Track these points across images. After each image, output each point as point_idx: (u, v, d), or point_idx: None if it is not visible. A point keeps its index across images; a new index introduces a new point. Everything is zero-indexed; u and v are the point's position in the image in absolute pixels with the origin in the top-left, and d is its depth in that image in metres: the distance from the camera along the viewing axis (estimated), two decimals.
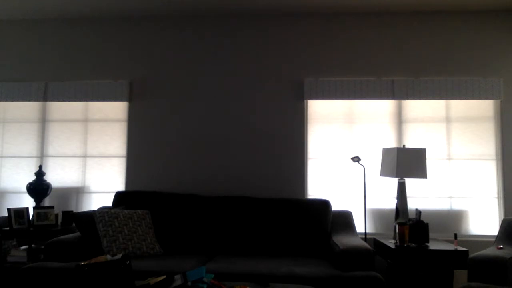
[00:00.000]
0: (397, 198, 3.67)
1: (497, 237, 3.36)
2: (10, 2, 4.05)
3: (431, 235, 3.98)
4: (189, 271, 2.40)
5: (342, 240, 3.26)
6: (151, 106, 4.30)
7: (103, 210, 3.45)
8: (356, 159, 3.87)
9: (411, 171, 3.57)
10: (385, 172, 3.75)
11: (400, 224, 3.39)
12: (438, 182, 4.04)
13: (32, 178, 4.26)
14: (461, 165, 4.04)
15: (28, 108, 4.40)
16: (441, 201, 4.02)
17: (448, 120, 4.10)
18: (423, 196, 4.04)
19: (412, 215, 3.87)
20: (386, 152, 3.76)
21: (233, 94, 4.24)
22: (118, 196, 3.86)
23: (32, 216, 3.85)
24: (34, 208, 3.87)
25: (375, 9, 4.12)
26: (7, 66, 4.45)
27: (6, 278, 3.63)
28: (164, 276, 2.38)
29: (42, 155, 4.35)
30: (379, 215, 4.05)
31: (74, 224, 3.99)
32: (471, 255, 2.97)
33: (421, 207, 4.03)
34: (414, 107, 4.12)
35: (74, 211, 4.24)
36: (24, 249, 3.74)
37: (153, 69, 4.33)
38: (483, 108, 4.08)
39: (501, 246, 3.12)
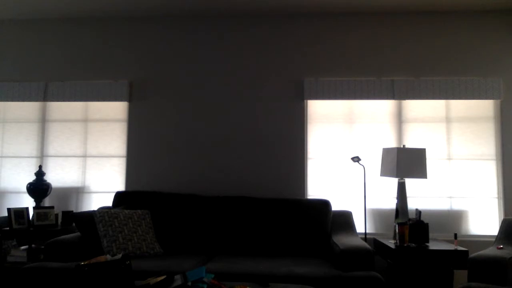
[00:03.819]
0: (397, 198, 3.67)
1: (497, 237, 3.36)
2: (10, 2, 4.05)
3: (431, 235, 3.98)
4: (189, 271, 2.40)
5: (342, 240, 3.26)
6: (151, 106, 4.30)
7: (103, 210, 3.45)
8: (356, 159, 3.87)
9: (411, 171, 3.57)
10: (385, 172, 3.75)
11: (400, 224, 3.39)
12: (438, 182, 4.04)
13: (32, 178, 4.26)
14: (461, 165, 4.04)
15: (28, 108, 4.40)
16: (441, 201, 4.02)
17: (448, 120, 4.10)
18: (423, 196, 4.04)
19: (412, 215, 3.87)
20: (386, 152, 3.76)
21: (233, 94, 4.24)
22: (118, 196, 3.86)
23: (32, 216, 3.85)
24: (34, 208, 3.87)
25: (375, 9, 4.12)
26: (7, 66, 4.45)
27: (6, 278, 3.63)
28: (164, 276, 2.38)
29: (42, 155, 4.35)
30: (379, 215, 4.05)
31: (74, 224, 3.99)
32: (471, 255, 2.97)
33: (421, 207, 4.03)
34: (414, 107, 4.12)
35: (74, 211, 4.23)
36: (24, 249, 3.73)
37: (153, 69, 4.33)
38: (483, 108, 4.08)
39: (501, 246, 3.12)
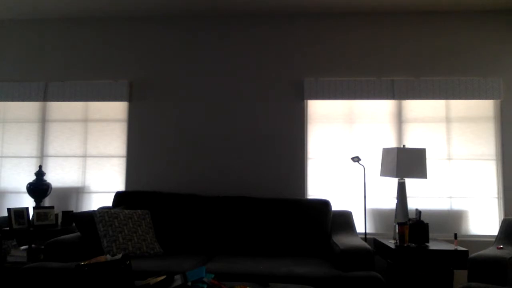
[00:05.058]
0: (397, 198, 3.67)
1: (497, 237, 3.36)
2: (10, 2, 4.05)
3: (431, 235, 3.98)
4: (189, 271, 2.40)
5: (342, 240, 3.26)
6: (151, 106, 4.30)
7: (103, 210, 3.45)
8: (356, 159, 3.87)
9: (411, 171, 3.57)
10: (385, 172, 3.75)
11: (400, 224, 3.39)
12: (438, 182, 4.04)
13: (32, 178, 4.26)
14: (461, 165, 4.04)
15: (28, 108, 4.40)
16: (441, 201, 4.02)
17: (448, 120, 4.10)
18: (423, 196, 4.04)
19: (412, 215, 3.87)
20: (386, 152, 3.76)
21: (233, 94, 4.24)
22: (118, 196, 3.86)
23: (32, 216, 3.85)
24: (34, 208, 3.87)
25: (375, 9, 4.12)
26: (7, 66, 4.45)
27: (6, 278, 3.63)
28: (164, 276, 2.38)
29: (42, 155, 4.35)
30: (379, 215, 4.05)
31: (74, 224, 3.99)
32: (471, 255, 2.97)
33: (421, 207, 4.03)
34: (414, 107, 4.12)
35: (74, 211, 4.23)
36: (24, 249, 3.73)
37: (153, 69, 4.33)
38: (483, 108, 4.08)
39: (501, 246, 3.12)
